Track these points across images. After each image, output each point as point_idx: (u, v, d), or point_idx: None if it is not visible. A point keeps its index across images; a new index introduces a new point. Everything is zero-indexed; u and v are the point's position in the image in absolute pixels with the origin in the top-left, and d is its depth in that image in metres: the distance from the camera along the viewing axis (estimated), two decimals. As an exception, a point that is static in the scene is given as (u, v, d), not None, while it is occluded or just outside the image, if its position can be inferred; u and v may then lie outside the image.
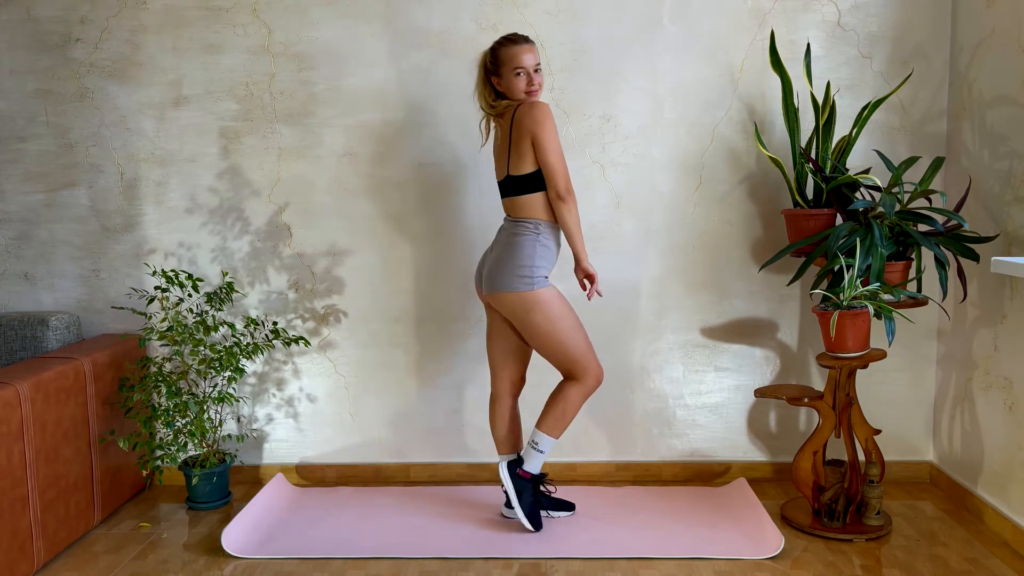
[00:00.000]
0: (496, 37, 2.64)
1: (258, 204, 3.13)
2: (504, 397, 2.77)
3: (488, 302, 2.68)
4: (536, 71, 2.56)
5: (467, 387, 3.18)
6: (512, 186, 2.58)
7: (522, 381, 2.80)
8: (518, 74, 2.54)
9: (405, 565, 2.52)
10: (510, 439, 2.77)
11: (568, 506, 2.84)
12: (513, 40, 2.56)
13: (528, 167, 2.53)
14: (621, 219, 3.08)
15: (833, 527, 2.68)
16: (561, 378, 2.69)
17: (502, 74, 2.56)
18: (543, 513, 2.80)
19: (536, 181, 2.54)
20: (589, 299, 2.66)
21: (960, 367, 2.94)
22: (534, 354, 2.79)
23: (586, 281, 2.64)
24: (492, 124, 2.69)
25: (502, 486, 2.84)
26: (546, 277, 2.57)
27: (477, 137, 2.93)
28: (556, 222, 2.59)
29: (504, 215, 2.68)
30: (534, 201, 2.56)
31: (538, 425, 2.65)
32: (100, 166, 3.13)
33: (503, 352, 2.74)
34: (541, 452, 2.66)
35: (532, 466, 2.67)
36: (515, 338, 2.72)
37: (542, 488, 2.78)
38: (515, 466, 2.69)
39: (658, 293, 3.11)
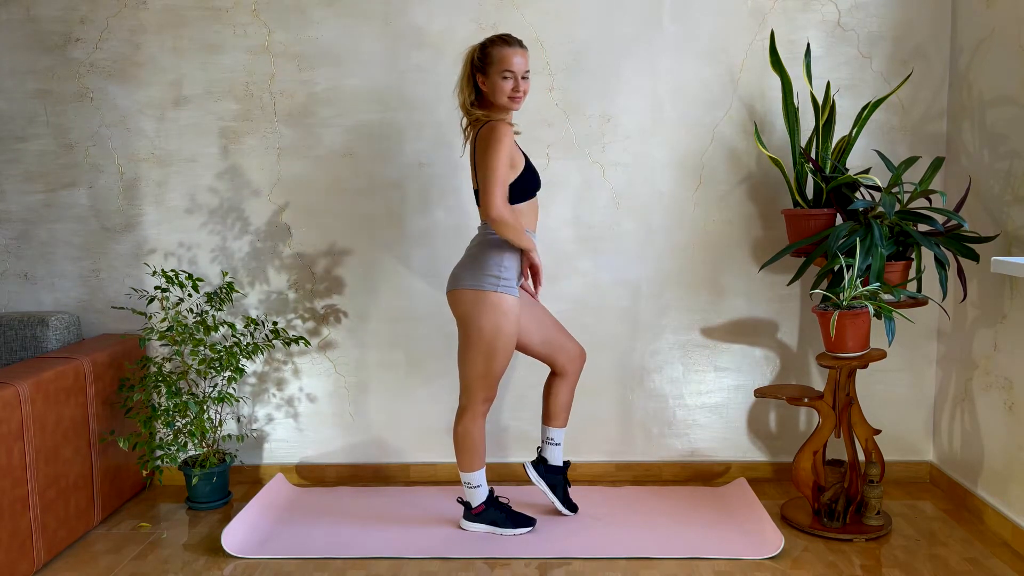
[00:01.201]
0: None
1: (258, 204, 3.13)
2: (550, 375, 2.80)
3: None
4: (524, 78, 2.47)
5: (467, 387, 3.18)
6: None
7: (555, 364, 2.74)
8: (506, 77, 2.43)
9: (405, 565, 2.52)
10: (545, 412, 2.80)
11: (572, 507, 2.84)
12: (507, 41, 2.47)
13: None
14: (621, 219, 3.08)
15: (833, 527, 2.68)
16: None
17: (489, 73, 2.45)
18: (557, 508, 2.81)
19: None
20: (533, 296, 2.66)
21: (960, 367, 2.94)
22: (527, 355, 2.77)
23: (530, 271, 2.57)
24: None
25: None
26: (514, 287, 2.51)
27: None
28: (526, 228, 2.54)
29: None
30: None
31: (459, 466, 2.67)
32: (100, 166, 3.13)
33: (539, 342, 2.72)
34: (474, 487, 2.67)
35: (474, 500, 2.69)
36: (541, 324, 2.69)
37: (501, 502, 2.76)
38: (536, 464, 2.79)
39: (658, 293, 3.11)
